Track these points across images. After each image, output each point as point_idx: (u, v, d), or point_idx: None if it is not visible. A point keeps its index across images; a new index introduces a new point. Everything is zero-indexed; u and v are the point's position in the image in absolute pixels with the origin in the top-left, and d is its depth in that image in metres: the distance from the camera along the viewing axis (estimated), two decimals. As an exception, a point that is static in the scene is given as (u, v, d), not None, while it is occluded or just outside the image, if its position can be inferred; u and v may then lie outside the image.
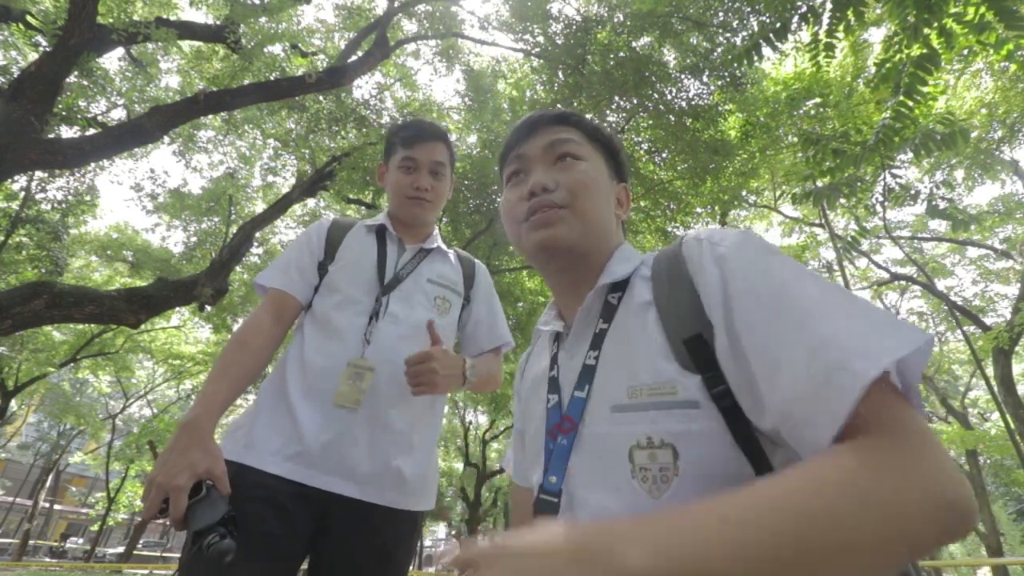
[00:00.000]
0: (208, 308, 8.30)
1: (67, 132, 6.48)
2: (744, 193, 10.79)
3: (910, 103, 2.66)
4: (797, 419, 0.48)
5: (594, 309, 0.72)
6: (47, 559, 26.52)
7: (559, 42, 7.66)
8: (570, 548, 0.39)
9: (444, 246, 1.48)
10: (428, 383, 1.14)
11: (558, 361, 0.76)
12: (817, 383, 0.46)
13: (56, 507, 34.31)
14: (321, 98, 8.21)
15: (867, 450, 0.42)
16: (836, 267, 12.70)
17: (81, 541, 32.38)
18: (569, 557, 0.39)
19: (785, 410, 0.49)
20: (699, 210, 9.38)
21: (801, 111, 8.14)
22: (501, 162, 0.86)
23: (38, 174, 9.17)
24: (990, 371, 10.58)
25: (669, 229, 9.01)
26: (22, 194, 9.47)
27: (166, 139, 7.90)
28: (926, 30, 2.66)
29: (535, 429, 0.75)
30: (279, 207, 8.53)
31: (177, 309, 10.47)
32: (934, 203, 2.93)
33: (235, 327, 13.91)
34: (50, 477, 27.14)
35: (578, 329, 0.74)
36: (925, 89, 2.67)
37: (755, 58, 3.07)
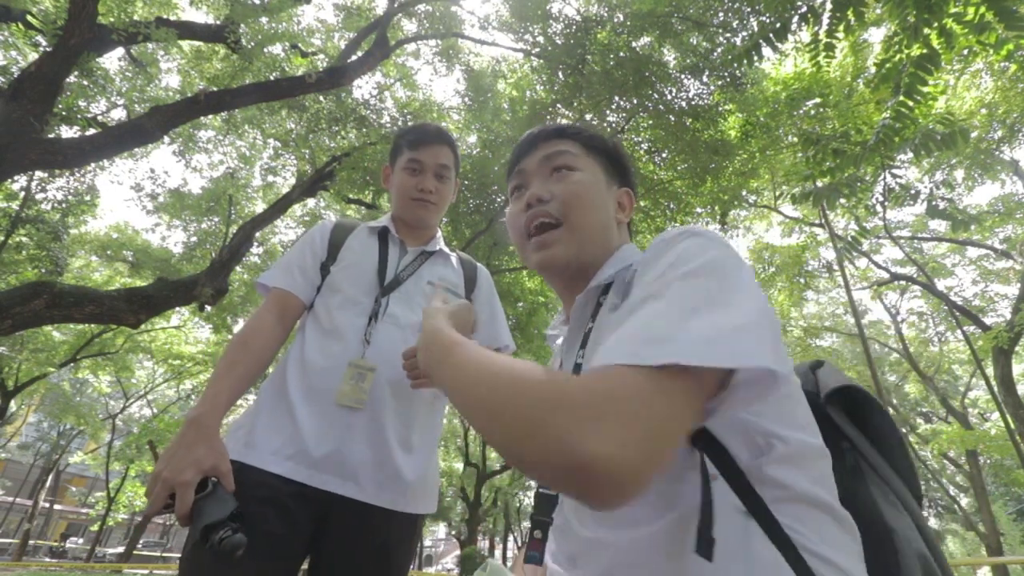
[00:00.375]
0: (208, 308, 8.30)
1: (67, 132, 6.49)
2: (744, 193, 10.79)
3: (910, 103, 2.66)
4: None
5: (586, 310, 0.76)
6: (47, 559, 26.52)
7: (559, 42, 7.66)
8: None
9: (446, 249, 1.49)
10: (426, 375, 1.14)
11: (563, 364, 0.79)
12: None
13: (56, 507, 34.30)
14: (321, 98, 8.22)
15: (565, 378, 0.45)
16: (836, 267, 12.71)
17: (81, 541, 32.38)
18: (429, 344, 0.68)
19: None
20: (699, 210, 9.38)
21: (801, 111, 8.14)
22: (507, 177, 0.91)
23: (38, 174, 9.17)
24: (990, 371, 10.59)
25: (669, 229, 9.00)
26: (22, 194, 9.47)
27: (166, 139, 7.90)
28: (926, 30, 2.66)
29: None
30: (279, 207, 8.53)
31: (177, 309, 10.48)
32: (934, 203, 2.93)
33: (235, 327, 13.91)
34: (50, 477, 27.14)
35: (572, 331, 0.78)
36: (925, 89, 2.67)
37: (755, 58, 3.07)
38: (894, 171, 3.02)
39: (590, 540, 0.61)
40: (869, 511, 0.59)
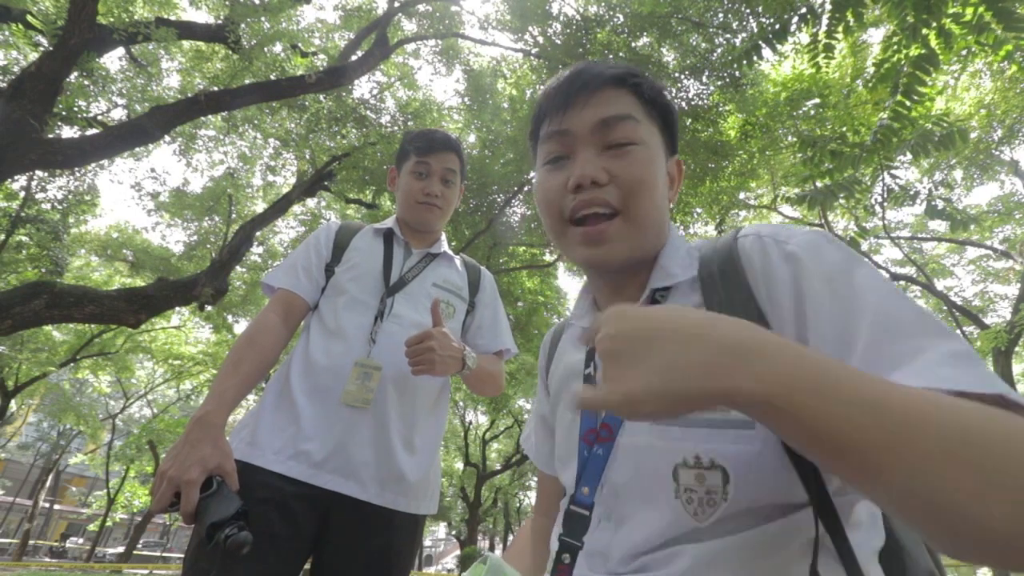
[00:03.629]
0: (208, 308, 8.30)
1: (67, 132, 6.49)
2: (744, 195, 10.80)
3: (908, 103, 2.67)
4: None
5: None
6: (47, 559, 26.52)
7: (559, 42, 7.66)
8: (723, 338, 0.38)
9: (451, 252, 1.49)
10: (427, 362, 1.14)
11: (595, 359, 0.68)
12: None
13: (56, 507, 34.31)
14: (321, 98, 8.22)
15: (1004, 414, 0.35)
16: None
17: (81, 541, 32.39)
18: (719, 345, 0.37)
19: None
20: (698, 210, 9.39)
21: (801, 111, 8.15)
22: (535, 128, 0.71)
23: (38, 174, 9.17)
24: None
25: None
26: (22, 194, 9.47)
27: (167, 138, 7.90)
28: (924, 30, 2.67)
29: (567, 426, 0.70)
30: (279, 207, 8.54)
31: (177, 309, 10.47)
32: (932, 203, 2.94)
33: (235, 327, 13.93)
34: (50, 477, 27.14)
35: None
36: (923, 90, 2.67)
37: (754, 59, 3.08)
38: (892, 172, 3.02)
39: (658, 551, 0.54)
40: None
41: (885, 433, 0.33)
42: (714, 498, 0.52)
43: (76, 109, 6.54)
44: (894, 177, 3.03)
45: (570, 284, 30.22)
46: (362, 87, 8.98)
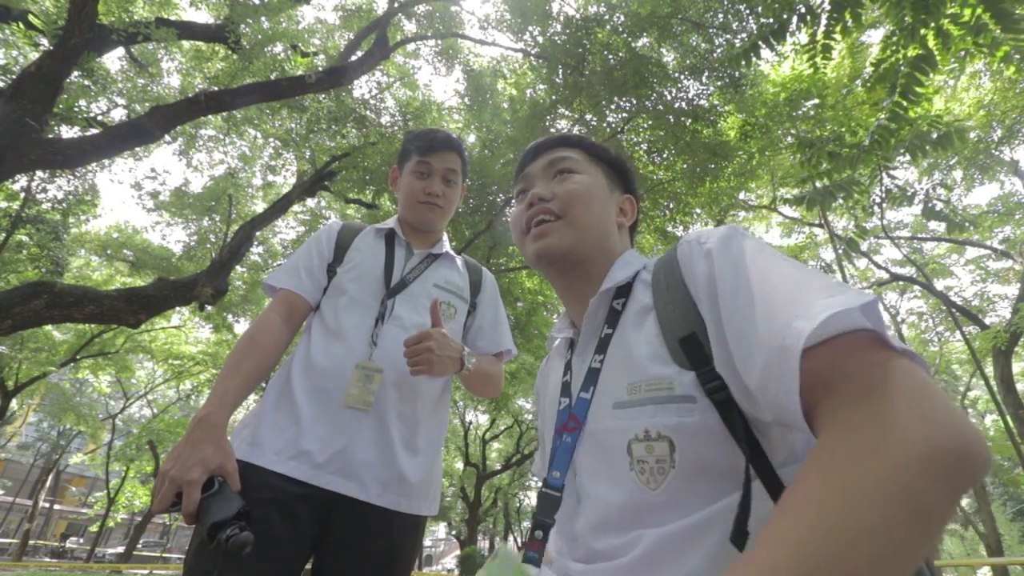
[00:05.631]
0: (208, 308, 8.31)
1: (67, 132, 6.49)
2: (743, 195, 10.81)
3: (905, 104, 2.68)
4: (772, 395, 0.48)
5: (599, 314, 0.75)
6: (47, 559, 26.52)
7: (559, 42, 7.66)
8: None
9: (452, 252, 1.49)
10: (425, 363, 1.15)
11: (571, 367, 0.78)
12: (773, 352, 0.47)
13: (56, 507, 34.31)
14: (321, 98, 8.22)
15: (841, 438, 0.40)
16: (835, 267, 12.70)
17: (81, 541, 32.40)
18: None
19: (762, 389, 0.49)
20: (698, 211, 9.39)
21: (800, 112, 8.15)
22: (512, 183, 0.94)
23: (39, 174, 9.17)
24: (989, 371, 10.59)
25: (668, 229, 9.02)
26: (22, 194, 9.47)
27: (167, 138, 7.91)
28: (923, 31, 2.67)
29: (550, 432, 0.78)
30: (279, 207, 8.54)
31: (177, 309, 10.47)
32: (930, 204, 2.94)
33: (236, 327, 13.93)
34: (50, 477, 27.13)
35: (585, 334, 0.77)
36: (920, 90, 2.68)
37: (752, 58, 3.09)
38: (890, 172, 3.03)
39: (622, 533, 0.60)
40: None
41: None
42: (663, 466, 0.58)
43: (76, 109, 6.55)
44: (892, 178, 3.04)
45: (570, 284, 30.12)
46: (362, 87, 8.99)
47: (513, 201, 0.94)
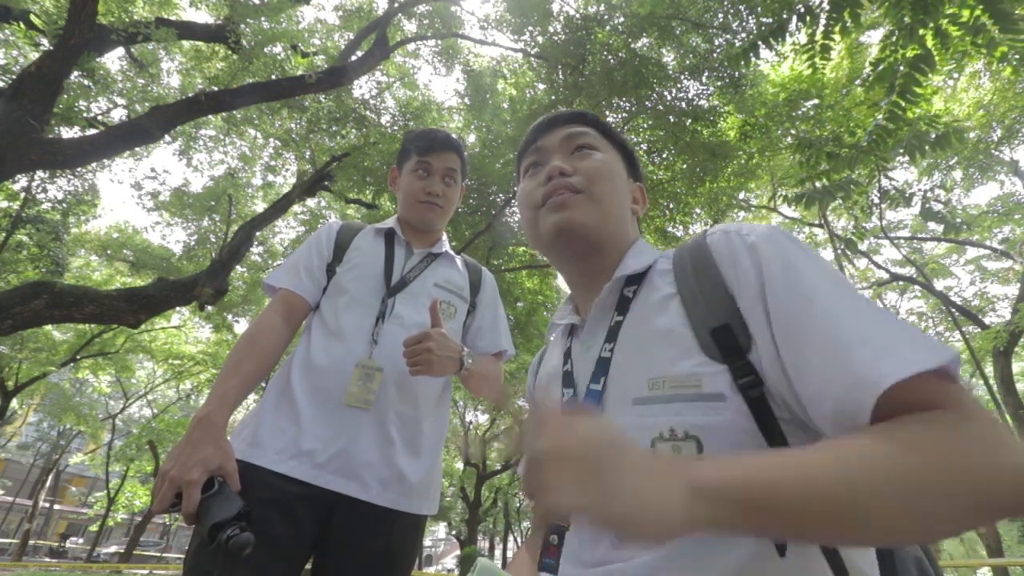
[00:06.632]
0: (208, 308, 8.31)
1: (67, 132, 6.49)
2: (743, 195, 10.81)
3: (903, 104, 2.68)
4: (829, 406, 0.48)
5: (609, 302, 0.72)
6: (47, 559, 26.52)
7: (559, 42, 7.67)
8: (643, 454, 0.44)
9: (452, 252, 1.49)
10: (424, 363, 1.14)
11: (572, 355, 0.75)
12: (846, 376, 0.46)
13: (56, 507, 34.31)
14: (321, 98, 8.22)
15: (935, 422, 0.43)
16: (835, 267, 12.69)
17: (81, 541, 32.40)
18: (645, 459, 0.43)
19: (818, 398, 0.49)
20: (698, 211, 9.39)
21: (799, 112, 8.16)
22: (519, 158, 0.87)
23: (39, 174, 9.18)
24: (989, 370, 10.59)
25: (668, 229, 9.03)
26: (22, 194, 9.47)
27: (167, 138, 7.91)
28: (921, 31, 2.68)
29: None
30: (279, 207, 8.54)
31: (177, 309, 10.48)
32: (928, 205, 2.95)
33: (236, 327, 13.93)
34: (50, 477, 27.14)
35: (593, 322, 0.73)
36: (919, 90, 2.68)
37: (752, 58, 3.09)
38: (888, 173, 3.03)
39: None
40: None
41: (841, 512, 0.40)
42: None
43: (76, 109, 6.54)
44: (890, 179, 3.04)
45: (570, 284, 30.13)
46: (362, 87, 8.99)
47: (520, 177, 0.85)
